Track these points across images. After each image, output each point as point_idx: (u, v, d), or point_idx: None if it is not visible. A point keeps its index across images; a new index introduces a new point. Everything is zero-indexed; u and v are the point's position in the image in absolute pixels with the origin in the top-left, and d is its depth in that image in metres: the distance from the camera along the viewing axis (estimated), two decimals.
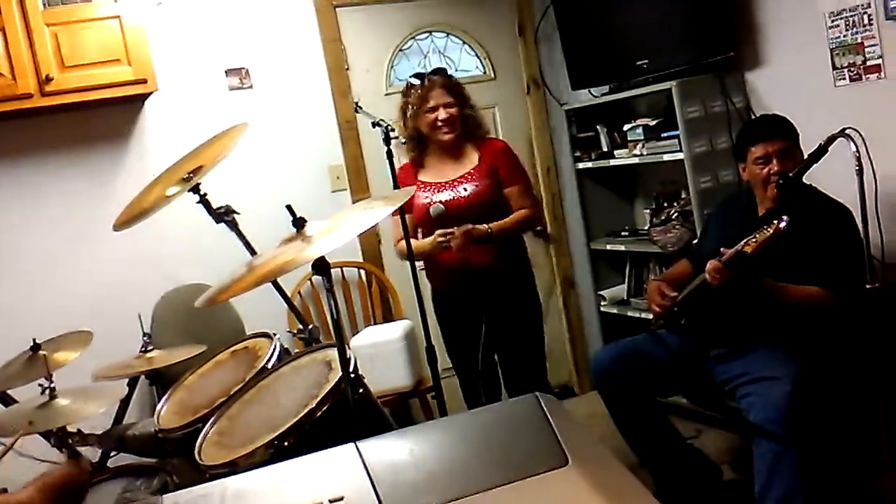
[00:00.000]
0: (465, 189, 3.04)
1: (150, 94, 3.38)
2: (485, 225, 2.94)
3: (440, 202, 3.00)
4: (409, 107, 3.09)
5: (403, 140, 3.09)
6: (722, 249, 2.53)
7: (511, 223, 3.04)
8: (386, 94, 4.06)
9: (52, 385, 2.28)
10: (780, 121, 2.81)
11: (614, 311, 4.13)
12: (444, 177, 3.10)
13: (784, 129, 2.76)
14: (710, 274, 2.56)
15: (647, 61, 3.65)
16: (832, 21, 3.17)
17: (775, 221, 2.37)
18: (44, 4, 3.12)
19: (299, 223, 1.79)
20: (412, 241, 3.03)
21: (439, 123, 3.03)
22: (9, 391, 2.76)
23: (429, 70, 3.25)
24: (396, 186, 3.06)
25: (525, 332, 3.15)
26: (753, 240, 2.43)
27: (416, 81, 3.09)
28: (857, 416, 2.73)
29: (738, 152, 2.88)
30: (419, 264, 3.13)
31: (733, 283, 2.54)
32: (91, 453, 2.69)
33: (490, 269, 3.00)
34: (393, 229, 3.20)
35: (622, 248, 4.05)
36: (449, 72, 3.21)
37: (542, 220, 3.17)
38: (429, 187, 3.10)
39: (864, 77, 3.11)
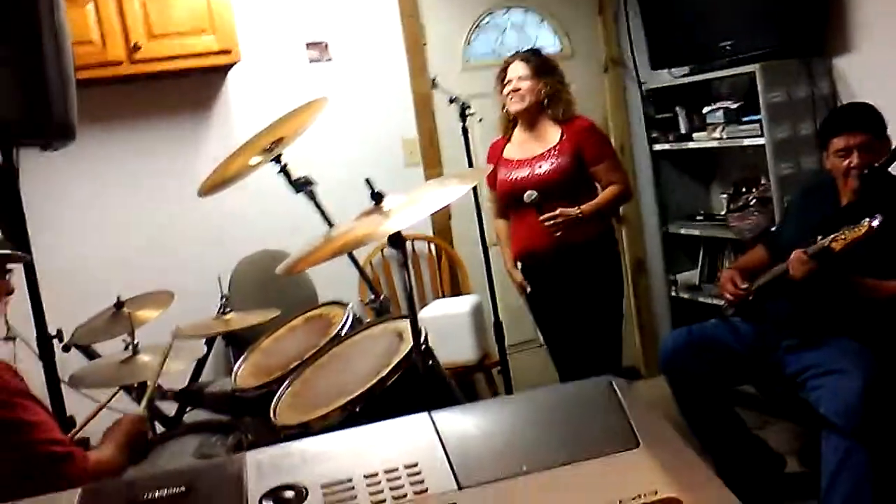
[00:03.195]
0: (541, 167, 3.05)
1: (233, 64, 3.46)
2: (574, 209, 2.95)
3: (533, 191, 2.97)
4: (498, 80, 3.17)
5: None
6: (813, 241, 2.47)
7: (602, 202, 3.05)
8: (462, 71, 4.07)
9: (137, 342, 2.39)
10: (864, 112, 2.71)
11: (685, 296, 4.08)
12: (525, 154, 3.12)
13: (867, 121, 2.65)
14: (793, 265, 2.51)
15: (730, 42, 3.56)
16: None
17: (867, 220, 2.29)
18: None
19: (378, 197, 1.82)
20: (503, 240, 3.25)
21: (511, 95, 3.08)
22: (93, 345, 2.89)
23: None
24: (470, 164, 3.09)
25: (604, 310, 3.13)
26: (843, 237, 2.36)
27: (507, 58, 3.19)
28: None
29: (821, 142, 2.80)
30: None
31: (816, 277, 2.48)
32: (168, 407, 2.82)
33: (573, 245, 2.99)
34: (491, 204, 3.34)
35: (697, 232, 4.00)
36: (543, 52, 3.24)
37: (632, 194, 3.25)
38: (510, 164, 3.13)
39: None
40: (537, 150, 3.09)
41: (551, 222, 2.91)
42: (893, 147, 2.50)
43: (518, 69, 3.09)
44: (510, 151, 3.18)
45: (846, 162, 2.64)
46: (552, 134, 3.10)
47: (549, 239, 2.97)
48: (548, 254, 3.04)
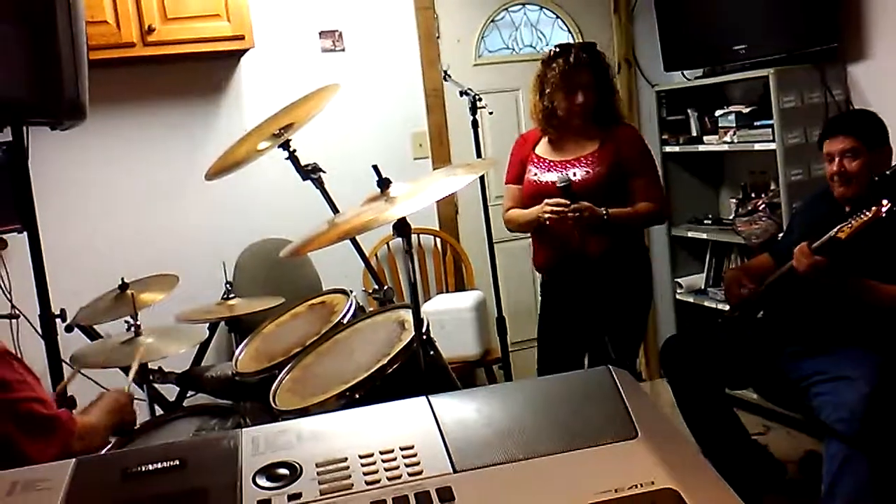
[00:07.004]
0: (575, 174, 2.79)
1: (246, 50, 3.46)
2: (601, 210, 2.71)
3: (568, 176, 2.76)
4: (549, 80, 2.84)
5: (533, 112, 2.92)
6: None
7: (633, 213, 2.80)
8: (475, 65, 4.06)
9: (139, 324, 2.39)
10: (855, 118, 2.69)
11: (690, 299, 4.07)
12: (560, 156, 2.88)
13: (854, 127, 2.61)
14: (796, 257, 2.50)
15: (744, 46, 3.55)
16: None
17: (875, 207, 2.28)
18: None
19: (384, 183, 1.82)
20: (516, 211, 2.93)
21: (576, 108, 2.81)
22: (95, 326, 2.89)
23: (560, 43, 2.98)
24: (479, 154, 3.06)
25: (627, 325, 2.94)
26: (849, 225, 2.35)
27: (563, 54, 2.83)
28: None
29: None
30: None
31: (821, 271, 2.47)
32: (169, 391, 2.82)
33: (601, 259, 2.78)
34: (504, 200, 3.04)
35: (704, 236, 3.98)
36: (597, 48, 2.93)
37: (666, 217, 3.03)
38: (541, 163, 2.90)
39: None
40: (573, 154, 2.85)
41: (575, 214, 2.67)
42: None
43: (586, 78, 2.80)
44: (543, 149, 2.93)
45: (830, 168, 2.64)
46: (592, 139, 2.85)
47: (576, 250, 2.76)
48: (573, 266, 2.81)
